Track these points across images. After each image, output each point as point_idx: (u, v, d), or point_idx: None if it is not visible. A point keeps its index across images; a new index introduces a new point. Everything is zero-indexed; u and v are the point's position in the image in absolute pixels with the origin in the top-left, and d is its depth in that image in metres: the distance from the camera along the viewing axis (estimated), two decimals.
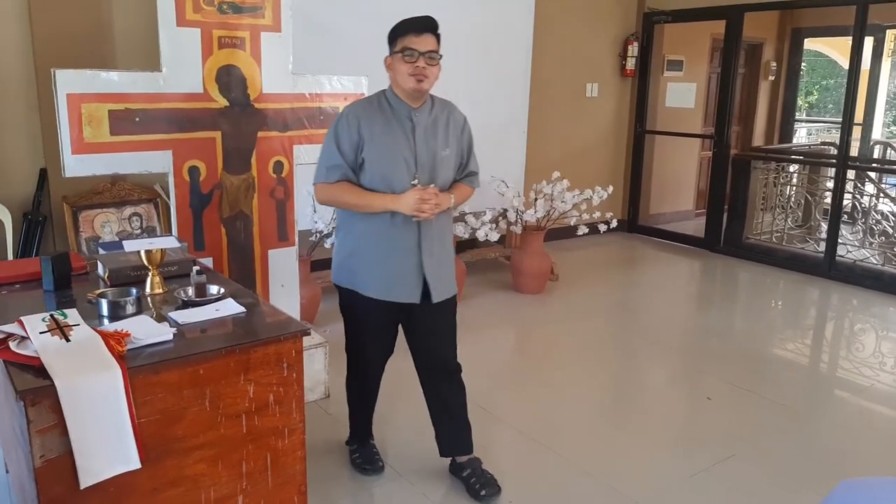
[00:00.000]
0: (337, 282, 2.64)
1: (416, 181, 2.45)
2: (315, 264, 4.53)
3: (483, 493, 2.63)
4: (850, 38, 5.77)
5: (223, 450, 1.89)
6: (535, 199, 5.09)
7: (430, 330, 2.64)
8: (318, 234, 4.33)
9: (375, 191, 2.46)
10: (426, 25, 2.39)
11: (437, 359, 2.69)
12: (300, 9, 3.35)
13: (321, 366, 3.42)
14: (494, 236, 4.90)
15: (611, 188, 5.28)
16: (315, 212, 4.25)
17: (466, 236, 4.92)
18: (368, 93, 3.15)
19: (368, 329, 2.64)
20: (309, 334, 2.06)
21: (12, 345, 1.75)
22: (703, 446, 3.13)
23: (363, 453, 2.85)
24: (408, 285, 2.52)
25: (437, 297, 2.55)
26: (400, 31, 2.42)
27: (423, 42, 2.38)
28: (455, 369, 2.72)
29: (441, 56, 2.44)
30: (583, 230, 5.37)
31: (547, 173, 5.20)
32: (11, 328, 1.81)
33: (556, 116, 6.58)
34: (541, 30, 5.84)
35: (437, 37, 2.43)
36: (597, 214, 5.22)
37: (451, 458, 2.79)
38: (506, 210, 5.20)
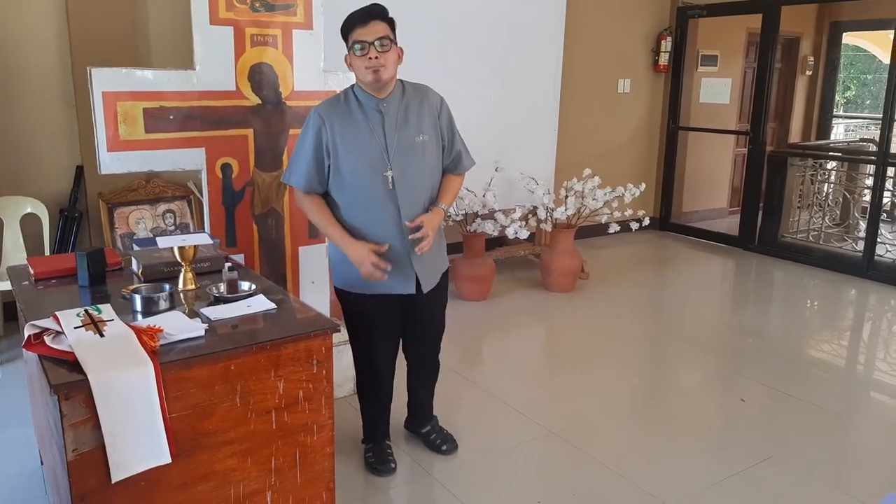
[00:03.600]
0: (336, 285, 2.67)
1: (389, 173, 2.42)
2: None
3: (444, 448, 2.92)
4: (892, 31, 5.64)
5: (253, 445, 1.91)
6: (566, 197, 5.04)
7: (424, 319, 2.74)
8: None
9: (348, 195, 2.46)
10: (370, 14, 2.34)
11: (429, 346, 2.84)
12: (332, 5, 3.35)
13: (350, 362, 3.41)
14: (524, 234, 4.86)
15: (643, 185, 5.22)
16: None
17: (496, 234, 4.89)
18: None
19: (371, 326, 2.66)
20: (339, 331, 2.06)
21: (47, 339, 1.77)
22: (737, 449, 3.08)
23: (376, 453, 2.84)
24: (402, 276, 2.54)
25: (426, 288, 2.61)
26: (348, 27, 2.36)
27: (371, 31, 2.31)
28: (438, 352, 2.89)
29: (394, 41, 2.37)
30: (614, 228, 5.31)
31: (578, 170, 5.16)
32: (46, 323, 1.84)
33: (587, 113, 6.52)
34: (572, 25, 5.78)
35: (389, 21, 2.36)
36: (628, 212, 5.16)
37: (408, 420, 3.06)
38: (535, 207, 5.17)
